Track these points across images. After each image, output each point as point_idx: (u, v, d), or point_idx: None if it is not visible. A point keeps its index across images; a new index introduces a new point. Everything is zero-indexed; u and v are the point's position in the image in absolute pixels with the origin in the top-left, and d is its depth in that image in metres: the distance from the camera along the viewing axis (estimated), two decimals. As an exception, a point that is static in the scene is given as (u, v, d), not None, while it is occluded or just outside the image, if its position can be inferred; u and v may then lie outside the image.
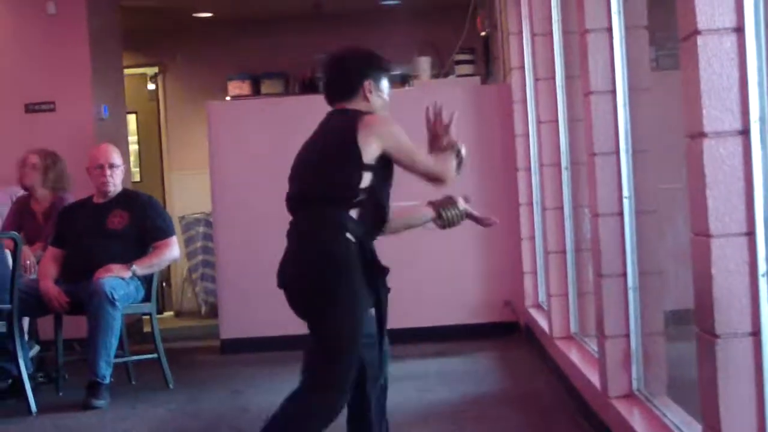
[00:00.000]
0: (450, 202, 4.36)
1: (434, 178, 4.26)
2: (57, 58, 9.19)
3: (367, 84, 4.26)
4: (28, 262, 7.22)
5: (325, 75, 4.41)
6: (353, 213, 4.10)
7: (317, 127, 4.37)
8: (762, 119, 3.10)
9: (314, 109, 8.55)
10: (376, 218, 4.17)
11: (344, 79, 4.32)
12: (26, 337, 7.51)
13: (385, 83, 4.34)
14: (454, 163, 4.30)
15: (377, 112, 4.26)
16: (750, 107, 3.10)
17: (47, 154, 7.79)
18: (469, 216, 4.41)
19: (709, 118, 3.14)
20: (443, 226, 4.37)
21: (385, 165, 4.16)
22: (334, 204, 4.11)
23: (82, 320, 6.77)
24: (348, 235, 4.07)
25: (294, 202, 4.26)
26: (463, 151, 4.35)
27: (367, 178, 4.10)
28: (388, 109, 4.35)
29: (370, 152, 4.09)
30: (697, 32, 3.13)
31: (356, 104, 4.26)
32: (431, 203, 4.38)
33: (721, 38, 3.13)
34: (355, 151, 4.08)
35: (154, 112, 12.43)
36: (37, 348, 7.36)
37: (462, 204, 4.39)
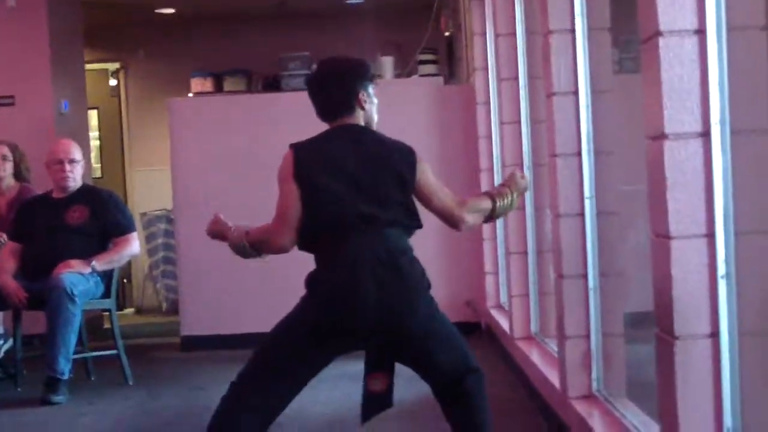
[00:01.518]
0: (504, 192, 4.35)
1: (448, 218, 4.24)
2: (17, 51, 9.13)
3: (362, 96, 4.20)
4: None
5: (320, 91, 4.26)
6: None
7: (350, 145, 4.15)
8: (722, 121, 3.12)
9: (276, 107, 8.64)
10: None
11: (341, 94, 4.22)
12: (2, 330, 7.49)
13: (372, 87, 4.29)
14: (481, 212, 4.31)
15: (373, 122, 4.26)
16: (711, 109, 3.12)
17: (14, 145, 7.74)
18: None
19: (670, 119, 3.15)
20: (495, 217, 4.41)
21: None
22: (406, 231, 4.12)
23: (41, 315, 6.73)
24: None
25: (369, 225, 4.03)
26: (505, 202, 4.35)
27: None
28: (378, 111, 4.32)
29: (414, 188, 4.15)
30: (658, 33, 3.14)
31: (356, 117, 4.20)
32: (488, 194, 4.40)
33: (682, 40, 3.15)
34: (411, 184, 4.11)
35: (116, 108, 12.38)
36: (10, 342, 7.32)
37: (516, 187, 4.38)
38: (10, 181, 7.71)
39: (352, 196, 4.02)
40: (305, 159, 4.11)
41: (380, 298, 3.93)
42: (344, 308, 3.95)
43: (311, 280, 4.05)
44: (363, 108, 4.21)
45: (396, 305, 3.97)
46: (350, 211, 4.01)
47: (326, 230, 4.04)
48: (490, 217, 4.36)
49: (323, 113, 4.25)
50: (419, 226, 4.13)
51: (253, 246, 4.29)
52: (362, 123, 4.22)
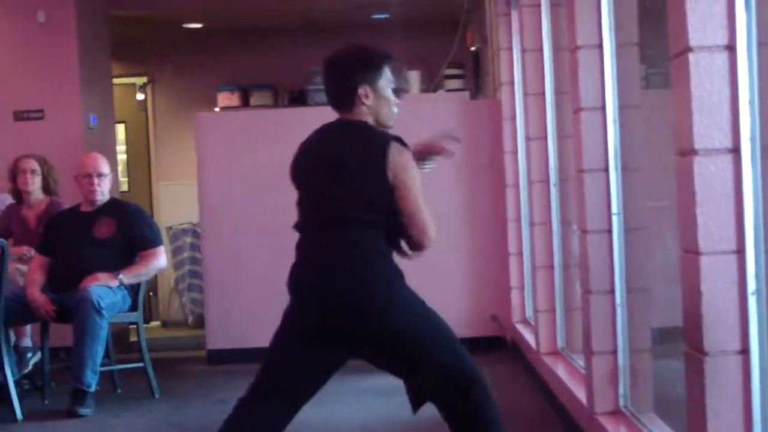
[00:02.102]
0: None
1: (419, 231, 4.02)
2: (46, 66, 9.18)
3: (362, 90, 4.08)
4: (25, 252, 7.25)
5: (324, 83, 4.25)
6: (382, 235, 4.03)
7: (331, 139, 4.18)
8: (753, 138, 3.11)
9: (302, 121, 8.57)
10: (398, 238, 4.11)
11: (339, 89, 4.15)
12: (30, 343, 7.52)
13: (383, 81, 4.13)
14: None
15: (384, 118, 4.14)
16: (741, 125, 3.11)
17: (43, 159, 7.78)
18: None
19: (700, 135, 3.14)
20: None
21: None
22: (373, 227, 4.00)
23: (69, 328, 6.76)
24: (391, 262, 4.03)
25: (328, 222, 4.06)
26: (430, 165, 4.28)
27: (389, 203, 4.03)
28: (395, 106, 4.18)
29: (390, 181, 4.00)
30: (688, 49, 3.14)
31: (359, 113, 4.10)
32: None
33: (712, 56, 3.14)
34: (386, 179, 3.97)
35: (143, 122, 12.43)
36: (38, 354, 7.36)
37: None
38: (38, 194, 7.74)
39: (322, 194, 4.07)
40: (298, 156, 4.25)
41: (327, 291, 3.96)
42: (299, 303, 4.06)
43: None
44: (363, 104, 4.09)
45: (344, 300, 3.95)
46: (318, 209, 4.09)
47: (300, 226, 4.16)
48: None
49: (331, 105, 4.22)
50: (387, 225, 4.01)
51: None
52: (365, 118, 4.11)
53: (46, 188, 7.75)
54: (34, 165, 7.70)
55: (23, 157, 7.74)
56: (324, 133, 4.22)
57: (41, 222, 7.49)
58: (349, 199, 4.00)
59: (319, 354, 4.04)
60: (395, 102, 4.18)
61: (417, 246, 4.04)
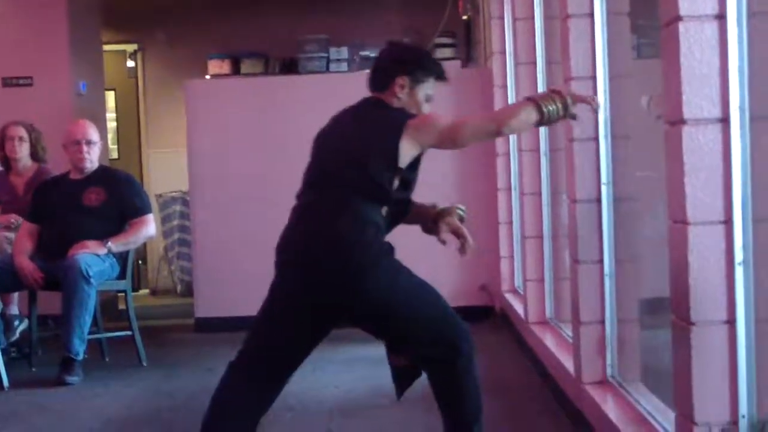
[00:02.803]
0: (551, 97, 3.92)
1: (490, 135, 4.15)
2: (35, 32, 9.13)
3: (400, 80, 4.11)
4: (12, 220, 7.23)
5: (372, 65, 4.32)
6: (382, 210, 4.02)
7: (351, 110, 4.20)
8: (742, 108, 3.10)
9: (293, 90, 8.63)
10: (399, 214, 4.12)
11: (382, 68, 4.21)
12: (17, 311, 7.51)
13: (424, 85, 4.16)
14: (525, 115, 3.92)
15: (409, 109, 4.14)
16: (730, 95, 3.10)
17: (31, 126, 7.74)
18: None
19: (689, 105, 3.14)
20: (542, 124, 3.99)
21: (415, 163, 4.05)
22: (369, 200, 3.99)
23: (57, 296, 6.74)
24: (377, 234, 4.00)
25: (324, 183, 4.08)
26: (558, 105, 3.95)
27: (397, 181, 4.01)
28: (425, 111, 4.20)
29: (407, 157, 3.99)
30: (678, 18, 3.12)
31: (387, 97, 4.13)
32: (530, 99, 3.97)
33: (702, 25, 3.13)
34: (395, 155, 3.95)
35: (133, 89, 12.36)
36: (26, 322, 7.34)
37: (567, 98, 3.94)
38: (26, 162, 7.71)
39: (324, 158, 4.11)
40: (323, 128, 4.25)
41: (310, 253, 3.98)
42: (283, 261, 4.08)
43: None
44: (395, 94, 4.13)
45: (324, 262, 3.94)
46: (316, 170, 4.11)
47: (300, 192, 4.15)
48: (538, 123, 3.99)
49: (369, 84, 4.25)
50: (386, 201, 4.01)
51: None
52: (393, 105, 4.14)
53: (35, 155, 7.72)
54: (22, 132, 7.66)
55: (11, 124, 7.70)
56: (350, 107, 4.24)
57: (30, 189, 7.46)
58: (352, 166, 4.00)
59: (307, 323, 4.04)
60: (425, 109, 4.19)
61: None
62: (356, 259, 3.93)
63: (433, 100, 4.23)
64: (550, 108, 3.87)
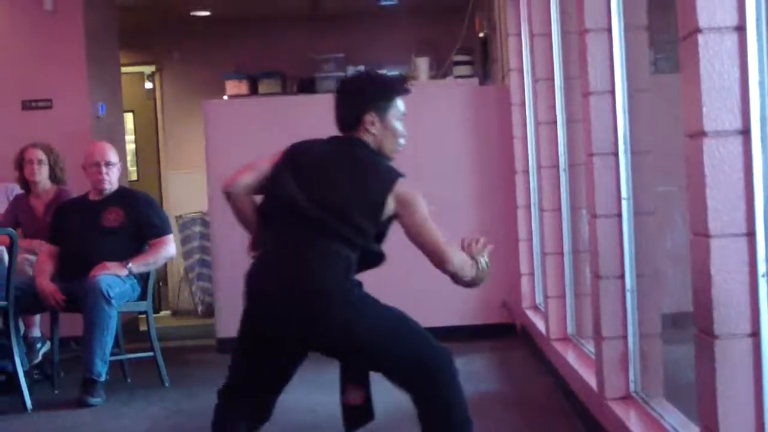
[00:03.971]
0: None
1: (439, 261, 4.05)
2: (53, 54, 9.17)
3: (368, 117, 4.09)
4: (35, 247, 7.25)
5: (335, 103, 4.25)
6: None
7: (333, 148, 4.17)
8: (763, 119, 3.09)
9: (311, 109, 8.64)
10: (369, 263, 4.09)
11: (347, 112, 4.17)
12: (39, 333, 7.52)
13: (393, 112, 4.14)
14: (469, 265, 4.17)
15: (387, 149, 4.14)
16: (751, 107, 3.09)
17: (49, 148, 7.76)
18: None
19: (710, 117, 3.12)
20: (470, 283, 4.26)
21: (390, 219, 4.05)
22: (346, 245, 3.96)
23: (79, 318, 6.75)
24: (348, 271, 3.99)
25: (306, 223, 4.01)
26: (483, 261, 4.24)
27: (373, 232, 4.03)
28: (403, 138, 4.18)
29: (387, 213, 4.00)
30: (697, 30, 3.11)
31: (361, 135, 4.11)
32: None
33: (722, 37, 3.12)
34: (381, 210, 3.97)
35: (151, 110, 12.42)
36: (48, 344, 7.36)
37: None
38: (46, 184, 7.73)
39: (302, 198, 4.01)
40: (290, 154, 4.19)
41: (280, 297, 3.96)
42: (255, 294, 4.09)
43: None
44: (368, 131, 4.11)
45: (296, 298, 3.92)
46: (295, 206, 4.00)
47: (268, 219, 4.13)
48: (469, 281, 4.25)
49: (338, 126, 4.22)
50: (361, 248, 3.98)
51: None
52: (370, 144, 4.12)
53: (53, 177, 7.74)
54: (41, 155, 7.69)
55: (29, 147, 7.72)
56: (333, 142, 4.20)
57: (49, 211, 7.47)
58: (339, 212, 3.96)
59: (278, 354, 4.10)
60: (402, 134, 4.18)
61: (442, 271, 4.10)
62: (326, 295, 3.91)
63: (406, 112, 4.21)
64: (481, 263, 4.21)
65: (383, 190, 3.99)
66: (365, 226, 3.97)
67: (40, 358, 7.48)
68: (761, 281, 3.12)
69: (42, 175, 7.69)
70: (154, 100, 12.41)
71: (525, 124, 7.97)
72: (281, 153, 4.21)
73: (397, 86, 4.23)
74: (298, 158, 4.16)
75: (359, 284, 4.03)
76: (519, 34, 7.98)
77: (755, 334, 3.14)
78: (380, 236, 4.07)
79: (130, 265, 6.84)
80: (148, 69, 12.43)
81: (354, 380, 4.14)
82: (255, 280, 4.12)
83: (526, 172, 8.02)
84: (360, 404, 4.13)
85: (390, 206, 3.99)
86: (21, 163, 7.69)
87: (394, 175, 4.04)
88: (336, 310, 3.91)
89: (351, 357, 4.07)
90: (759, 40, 3.08)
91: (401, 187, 4.01)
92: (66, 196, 7.56)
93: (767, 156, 3.10)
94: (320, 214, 3.97)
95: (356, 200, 3.98)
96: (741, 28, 3.11)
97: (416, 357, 3.98)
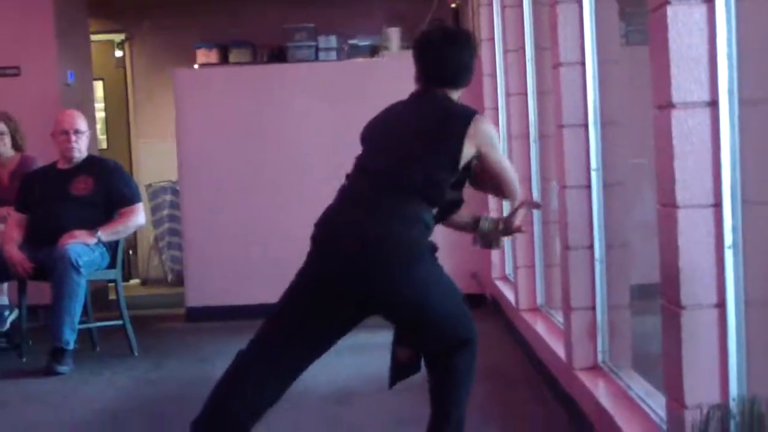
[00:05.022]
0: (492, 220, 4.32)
1: (508, 190, 4.16)
2: (21, 22, 9.09)
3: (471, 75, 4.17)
4: (5, 214, 7.21)
5: (441, 53, 4.15)
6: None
7: (414, 104, 4.13)
8: (731, 91, 3.10)
9: (282, 79, 8.61)
10: (448, 212, 4.17)
11: (460, 66, 4.15)
12: (7, 301, 7.49)
13: None
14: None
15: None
16: (719, 78, 3.10)
17: (7, 116, 7.71)
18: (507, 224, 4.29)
19: (678, 89, 3.13)
20: (481, 242, 4.33)
21: (469, 164, 4.05)
22: (424, 201, 3.96)
23: (46, 286, 6.73)
24: (424, 232, 3.99)
25: (382, 177, 3.97)
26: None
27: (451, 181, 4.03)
28: None
29: (466, 159, 3.99)
30: (666, 2, 3.12)
31: (455, 94, 4.12)
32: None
33: (690, 9, 3.13)
34: (457, 156, 3.96)
35: (122, 79, 12.34)
36: (16, 312, 7.33)
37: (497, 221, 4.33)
38: (9, 152, 7.69)
39: (384, 151, 4.00)
40: (380, 116, 4.16)
41: (360, 244, 3.86)
42: (325, 247, 3.94)
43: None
44: (467, 85, 4.17)
45: (372, 259, 3.86)
46: (374, 161, 4.00)
47: (352, 174, 4.06)
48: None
49: (432, 77, 4.14)
50: (440, 203, 4.02)
51: None
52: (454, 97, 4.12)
53: (15, 145, 7.70)
54: (2, 126, 7.64)
55: None
56: (412, 100, 4.16)
57: (15, 178, 7.45)
58: (413, 165, 3.94)
59: (339, 312, 3.96)
60: None
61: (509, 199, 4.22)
62: (402, 254, 3.89)
63: None
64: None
65: (459, 135, 3.97)
66: (442, 177, 3.97)
67: (8, 326, 7.46)
68: (727, 252, 3.14)
69: (6, 146, 7.65)
70: (124, 68, 12.33)
71: (496, 95, 7.97)
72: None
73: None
74: (378, 121, 4.16)
75: (434, 248, 4.04)
76: (490, 5, 7.97)
77: (721, 305, 3.16)
78: (460, 184, 4.09)
79: (99, 233, 6.81)
80: (118, 37, 12.34)
81: (405, 343, 4.13)
82: (326, 233, 3.98)
83: (497, 142, 8.01)
84: (406, 361, 4.14)
85: (468, 151, 3.98)
86: None
87: (468, 117, 4.03)
88: (416, 268, 3.90)
89: (407, 316, 4.01)
90: (727, 13, 3.09)
91: (479, 123, 4.03)
92: (31, 162, 7.53)
93: (734, 128, 3.11)
94: (394, 163, 3.96)
95: (434, 151, 3.96)
96: (709, 0, 3.12)
97: (464, 327, 4.07)
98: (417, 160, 3.95)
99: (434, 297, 3.99)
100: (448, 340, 4.04)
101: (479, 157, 4.02)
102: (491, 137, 4.05)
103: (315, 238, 4.00)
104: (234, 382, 4.01)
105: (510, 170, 4.15)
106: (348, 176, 4.11)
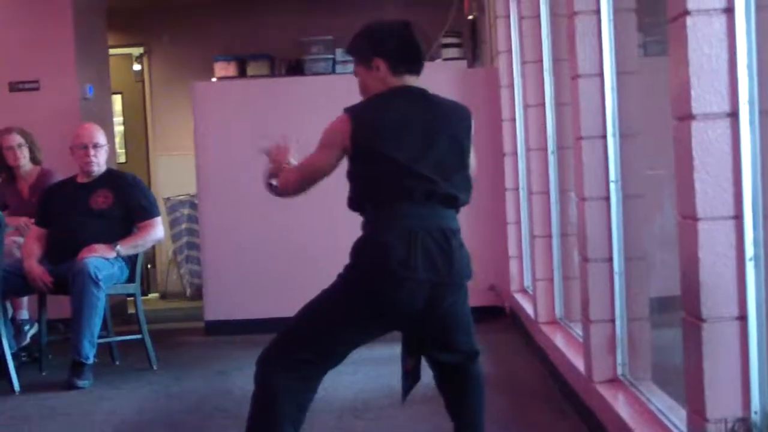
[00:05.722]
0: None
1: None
2: (41, 36, 9.13)
3: None
4: (23, 223, 7.24)
5: (410, 41, 4.09)
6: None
7: (419, 105, 3.99)
8: (751, 101, 3.08)
9: (299, 91, 8.62)
10: None
11: (421, 53, 4.11)
12: (27, 315, 7.51)
13: None
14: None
15: None
16: (739, 89, 3.08)
17: (23, 131, 7.74)
18: None
19: (698, 100, 3.12)
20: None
21: None
22: (457, 208, 3.98)
23: (66, 300, 6.74)
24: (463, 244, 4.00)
25: (425, 191, 3.86)
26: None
27: None
28: None
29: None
30: (686, 12, 3.11)
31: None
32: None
33: (710, 19, 3.11)
34: (469, 150, 4.00)
35: (140, 92, 12.38)
36: (36, 327, 7.34)
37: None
38: (28, 166, 7.73)
39: (411, 165, 3.85)
40: (364, 126, 3.91)
41: (430, 279, 3.81)
42: (393, 283, 3.79)
43: (360, 248, 3.88)
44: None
45: (442, 289, 3.85)
46: (408, 182, 3.84)
47: (383, 195, 3.88)
48: None
49: (410, 69, 4.06)
50: (467, 201, 3.98)
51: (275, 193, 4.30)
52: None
53: (33, 158, 7.74)
54: (19, 139, 7.68)
55: (5, 133, 7.70)
56: (399, 99, 4.00)
57: (34, 192, 7.49)
58: (451, 178, 3.91)
59: (373, 330, 3.99)
60: None
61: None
62: (460, 275, 3.93)
63: None
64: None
65: (467, 128, 4.01)
66: (463, 174, 3.97)
67: (28, 340, 7.48)
68: (748, 265, 3.12)
69: (25, 159, 7.69)
70: (143, 81, 12.36)
71: (514, 107, 7.97)
72: (347, 133, 3.92)
73: None
74: (381, 129, 3.93)
75: None
76: (508, 16, 7.95)
77: (742, 317, 3.14)
78: None
79: (118, 247, 6.82)
80: (136, 51, 12.38)
81: (412, 351, 4.10)
82: (385, 260, 3.81)
83: (515, 154, 8.01)
84: (413, 369, 4.10)
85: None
86: (0, 150, 7.67)
87: (466, 110, 4.08)
88: (464, 285, 3.97)
89: (441, 326, 3.99)
90: (747, 22, 3.08)
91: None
92: (50, 176, 7.56)
93: (755, 139, 3.10)
94: (430, 179, 3.87)
95: (452, 152, 3.95)
96: (730, 10, 3.10)
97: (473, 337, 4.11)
98: (448, 165, 3.92)
99: (467, 306, 4.04)
100: (471, 348, 4.08)
101: None
102: None
103: (378, 265, 3.84)
104: (273, 390, 3.90)
105: None
106: (372, 199, 3.94)
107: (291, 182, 4.16)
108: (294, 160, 4.24)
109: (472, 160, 4.07)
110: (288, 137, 4.31)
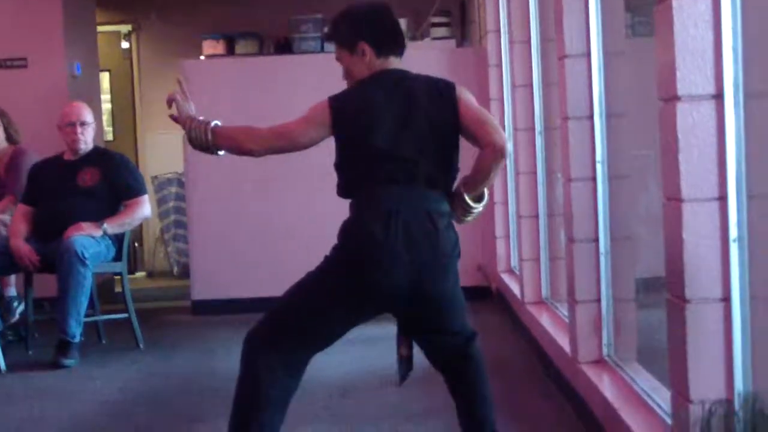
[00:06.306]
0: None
1: (498, 133, 3.96)
2: (29, 13, 9.08)
3: None
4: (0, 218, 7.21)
5: (392, 23, 4.11)
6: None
7: (402, 86, 3.96)
8: (736, 83, 3.09)
9: (288, 70, 8.59)
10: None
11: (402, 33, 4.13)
12: (16, 292, 7.50)
13: None
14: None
15: None
16: (724, 71, 3.08)
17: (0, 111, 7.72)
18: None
19: (683, 81, 3.12)
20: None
21: None
22: (445, 189, 3.95)
23: (53, 279, 6.73)
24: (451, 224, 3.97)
25: (406, 173, 3.86)
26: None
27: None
28: None
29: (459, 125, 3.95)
30: (672, -6, 3.11)
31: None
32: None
33: (696, 1, 3.11)
34: (457, 133, 3.95)
35: (128, 70, 12.33)
36: (23, 304, 7.33)
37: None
38: (2, 145, 7.68)
39: (391, 149, 3.85)
40: (344, 116, 3.92)
41: (411, 260, 3.79)
42: (372, 264, 3.80)
43: (343, 231, 3.90)
44: None
45: (426, 270, 3.83)
46: (389, 165, 3.85)
47: (366, 180, 3.88)
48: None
49: (393, 51, 4.05)
50: (451, 179, 3.96)
51: (218, 140, 4.31)
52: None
53: (9, 138, 7.70)
54: None
55: None
56: (380, 82, 3.99)
57: (9, 170, 7.48)
58: (433, 158, 3.89)
59: (360, 311, 3.96)
60: None
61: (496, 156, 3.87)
62: (448, 253, 3.89)
63: None
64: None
65: (454, 108, 3.94)
66: (448, 154, 3.94)
67: (17, 317, 7.47)
68: (732, 246, 3.12)
69: (0, 138, 7.65)
70: (131, 59, 12.32)
71: (502, 86, 7.96)
72: (327, 118, 3.95)
73: None
74: (361, 113, 3.92)
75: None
76: (497, -4, 7.95)
77: (726, 298, 3.15)
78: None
79: (105, 225, 6.81)
80: (124, 28, 12.33)
81: (407, 336, 4.08)
82: (362, 241, 3.84)
83: (503, 134, 7.99)
84: (408, 355, 4.09)
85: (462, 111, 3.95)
86: None
87: (447, 85, 4.02)
88: (455, 265, 3.93)
89: (435, 306, 3.96)
90: (733, 4, 3.08)
91: (462, 90, 4.02)
92: (22, 155, 7.55)
93: (740, 121, 3.10)
94: (413, 161, 3.87)
95: (447, 135, 3.93)
96: (715, -8, 3.10)
97: (466, 320, 4.09)
98: (436, 149, 3.91)
99: (458, 289, 4.01)
100: (468, 329, 4.06)
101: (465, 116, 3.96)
102: (471, 97, 4.04)
103: (351, 253, 3.88)
104: (259, 377, 3.91)
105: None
106: (353, 183, 3.96)
107: (256, 135, 4.16)
108: (192, 106, 4.30)
109: (488, 127, 3.92)
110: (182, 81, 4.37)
